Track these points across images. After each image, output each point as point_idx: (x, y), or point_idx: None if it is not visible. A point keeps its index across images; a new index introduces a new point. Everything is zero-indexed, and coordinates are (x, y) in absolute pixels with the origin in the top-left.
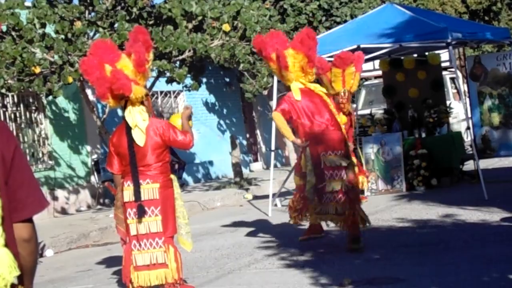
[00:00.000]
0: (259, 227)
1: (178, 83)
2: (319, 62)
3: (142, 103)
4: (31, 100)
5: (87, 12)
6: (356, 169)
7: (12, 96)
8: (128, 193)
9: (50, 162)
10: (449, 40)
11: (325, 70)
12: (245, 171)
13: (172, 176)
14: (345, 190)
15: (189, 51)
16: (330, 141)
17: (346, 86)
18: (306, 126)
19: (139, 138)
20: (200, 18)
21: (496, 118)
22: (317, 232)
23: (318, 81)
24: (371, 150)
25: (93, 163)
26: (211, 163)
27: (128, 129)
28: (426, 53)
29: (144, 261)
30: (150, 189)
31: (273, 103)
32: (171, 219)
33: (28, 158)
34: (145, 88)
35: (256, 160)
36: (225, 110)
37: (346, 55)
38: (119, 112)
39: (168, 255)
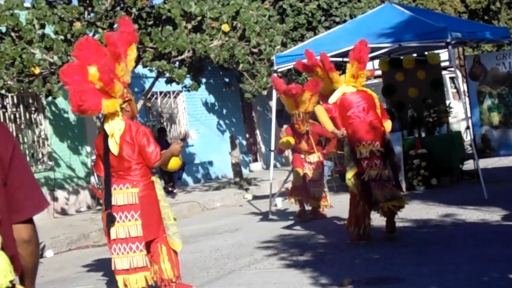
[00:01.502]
0: (259, 227)
1: (178, 83)
2: (274, 82)
3: (122, 109)
4: (30, 101)
5: (86, 12)
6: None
7: (12, 97)
8: (112, 197)
9: (50, 162)
10: (448, 40)
11: (279, 91)
12: (244, 171)
13: (154, 178)
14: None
15: (189, 51)
16: (367, 132)
17: (301, 108)
18: (346, 120)
19: (113, 147)
20: (199, 18)
21: (495, 118)
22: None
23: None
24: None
25: (92, 163)
26: (210, 163)
27: (106, 136)
28: (426, 53)
29: (123, 265)
30: (129, 194)
31: (273, 103)
32: (156, 221)
33: (28, 158)
34: (121, 97)
35: (255, 160)
36: (224, 110)
37: (295, 89)
38: None
39: (161, 255)
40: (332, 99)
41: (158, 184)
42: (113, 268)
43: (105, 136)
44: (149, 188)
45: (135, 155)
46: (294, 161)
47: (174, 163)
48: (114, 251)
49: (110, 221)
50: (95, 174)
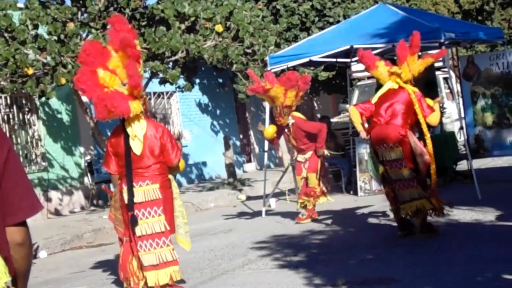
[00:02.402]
0: (253, 227)
1: (171, 84)
2: (267, 76)
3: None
4: (24, 101)
5: (79, 13)
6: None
7: (5, 97)
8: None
9: (44, 163)
10: (442, 40)
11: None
12: (238, 172)
13: (170, 177)
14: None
15: (182, 52)
16: (383, 136)
17: (277, 102)
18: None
19: (137, 147)
20: (193, 19)
21: (489, 118)
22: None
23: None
24: (364, 151)
25: (86, 164)
26: (204, 164)
27: (127, 137)
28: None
29: (151, 261)
30: (150, 190)
31: (266, 104)
32: (170, 219)
33: (21, 159)
34: (141, 92)
35: (249, 160)
36: (218, 111)
37: (293, 76)
38: None
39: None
40: (374, 98)
41: (174, 182)
42: (145, 264)
43: (126, 137)
44: (166, 186)
45: (156, 153)
46: (296, 169)
47: (182, 165)
48: (140, 247)
49: (133, 223)
50: (88, 175)
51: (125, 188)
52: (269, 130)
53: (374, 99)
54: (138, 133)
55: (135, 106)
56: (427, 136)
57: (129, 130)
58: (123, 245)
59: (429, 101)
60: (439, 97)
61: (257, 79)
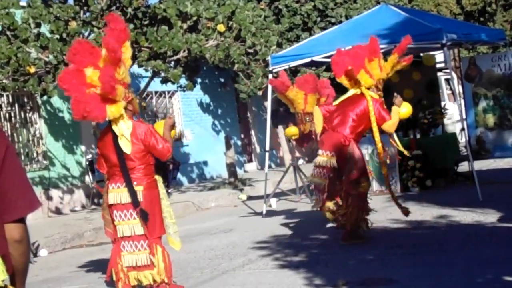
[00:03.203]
0: (253, 227)
1: (173, 83)
2: (282, 76)
3: (125, 109)
4: (25, 100)
5: (82, 12)
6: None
7: (7, 95)
8: (112, 195)
9: (45, 162)
10: (444, 41)
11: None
12: (239, 172)
13: (157, 177)
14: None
15: (184, 51)
16: (328, 143)
17: (297, 108)
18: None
19: (126, 146)
20: (195, 18)
21: (490, 119)
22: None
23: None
24: (365, 151)
25: (87, 163)
26: (205, 163)
27: (115, 137)
28: (421, 54)
29: (131, 262)
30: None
31: (268, 104)
32: (158, 220)
33: (22, 158)
34: (125, 99)
35: (250, 160)
36: (219, 111)
37: (311, 78)
38: None
39: (156, 256)
40: (336, 101)
41: (161, 182)
42: (125, 265)
43: (115, 138)
44: (152, 187)
45: (141, 155)
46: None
47: (172, 135)
48: (123, 248)
49: (144, 217)
50: (89, 173)
51: (110, 187)
52: (291, 129)
53: (335, 103)
54: (125, 132)
55: (113, 110)
56: (379, 145)
57: (115, 129)
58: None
59: (394, 108)
60: (399, 97)
61: (286, 79)
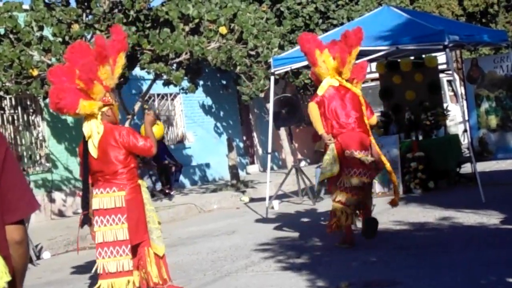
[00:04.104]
0: (256, 229)
1: (175, 85)
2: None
3: (102, 113)
4: (28, 102)
5: (84, 15)
6: None
7: (10, 98)
8: (96, 201)
9: (48, 164)
10: (446, 43)
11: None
12: (241, 174)
13: (140, 182)
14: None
15: (186, 53)
16: (354, 141)
17: None
18: (333, 125)
19: (92, 150)
20: (197, 20)
21: (493, 121)
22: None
23: None
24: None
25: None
26: (207, 165)
27: (85, 140)
28: (423, 56)
29: (110, 268)
30: (116, 197)
31: (270, 106)
32: (141, 225)
33: (25, 160)
34: (102, 100)
35: (252, 162)
36: (221, 113)
37: (365, 65)
38: None
39: (148, 258)
40: (320, 91)
41: (144, 187)
42: (98, 272)
43: (84, 140)
44: (135, 192)
45: (121, 158)
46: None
47: (158, 130)
48: (99, 255)
49: (84, 222)
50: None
51: (94, 193)
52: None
53: (321, 92)
54: (94, 135)
55: (85, 105)
56: (373, 139)
57: (84, 131)
58: None
59: None
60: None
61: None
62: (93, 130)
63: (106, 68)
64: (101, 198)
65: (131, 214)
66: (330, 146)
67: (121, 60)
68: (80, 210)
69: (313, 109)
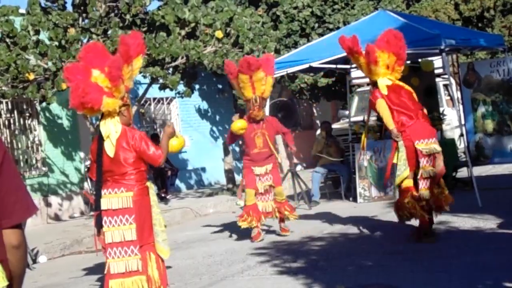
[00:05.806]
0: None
1: (171, 89)
2: (227, 66)
3: (120, 113)
4: (25, 106)
5: (80, 19)
6: None
7: (6, 102)
8: (105, 201)
9: (44, 168)
10: (442, 47)
11: (233, 75)
12: (237, 178)
13: (148, 184)
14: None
15: (182, 57)
16: (423, 131)
17: (257, 92)
18: (401, 121)
19: (109, 149)
20: (193, 25)
21: (489, 125)
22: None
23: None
24: (364, 157)
25: (86, 169)
26: (203, 169)
27: (101, 139)
28: (419, 60)
29: (119, 269)
30: (124, 198)
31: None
32: (147, 227)
33: (22, 164)
34: (122, 100)
35: None
36: (217, 117)
37: (252, 60)
38: None
39: (149, 263)
40: (383, 90)
41: (152, 189)
42: (106, 272)
43: (100, 139)
44: (143, 193)
45: (131, 161)
46: (245, 176)
47: (178, 144)
48: (109, 255)
49: (98, 222)
50: (88, 180)
51: (103, 193)
52: (238, 124)
53: (384, 91)
54: (112, 134)
55: (109, 102)
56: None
57: (103, 130)
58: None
59: None
60: None
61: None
62: (112, 129)
63: (129, 68)
64: (109, 199)
65: (138, 215)
66: (400, 145)
67: (139, 62)
68: (76, 214)
69: (381, 105)
